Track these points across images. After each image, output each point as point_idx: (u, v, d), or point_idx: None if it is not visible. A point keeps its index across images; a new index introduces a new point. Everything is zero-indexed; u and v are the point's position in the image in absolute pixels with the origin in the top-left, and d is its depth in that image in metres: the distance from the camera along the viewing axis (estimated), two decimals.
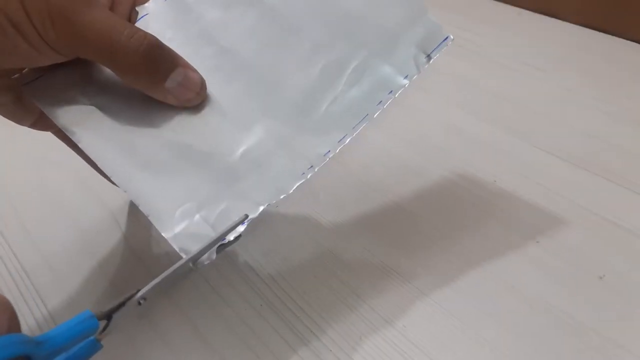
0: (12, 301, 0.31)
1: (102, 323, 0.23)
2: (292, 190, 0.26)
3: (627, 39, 0.57)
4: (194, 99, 0.28)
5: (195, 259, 0.25)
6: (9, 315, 0.20)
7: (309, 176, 0.26)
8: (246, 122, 0.28)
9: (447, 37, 0.28)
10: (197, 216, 0.25)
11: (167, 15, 0.29)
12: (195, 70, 0.28)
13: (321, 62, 0.28)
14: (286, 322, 0.30)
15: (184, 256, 0.24)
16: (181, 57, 0.28)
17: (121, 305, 0.24)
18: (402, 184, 0.39)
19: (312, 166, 0.26)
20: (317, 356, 0.28)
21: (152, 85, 0.27)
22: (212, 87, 0.28)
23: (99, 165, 0.26)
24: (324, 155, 0.27)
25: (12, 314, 0.20)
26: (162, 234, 0.24)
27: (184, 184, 0.26)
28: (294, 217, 0.36)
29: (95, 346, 0.23)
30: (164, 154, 0.27)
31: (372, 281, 0.32)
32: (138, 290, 0.24)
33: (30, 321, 0.30)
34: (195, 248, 0.24)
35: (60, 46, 0.25)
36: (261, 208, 0.26)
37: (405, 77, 0.28)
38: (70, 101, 0.27)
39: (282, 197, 0.26)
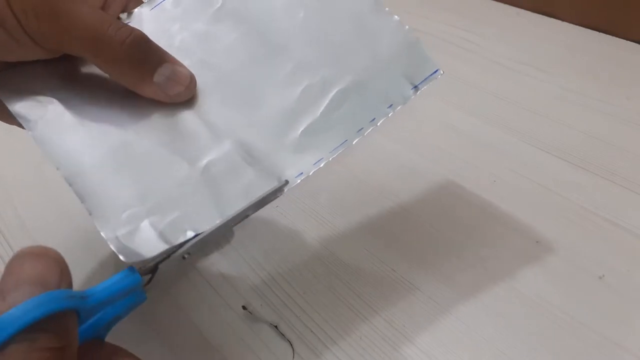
0: None
1: (146, 277, 0.24)
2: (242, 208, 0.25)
3: (627, 39, 0.57)
4: (184, 93, 0.27)
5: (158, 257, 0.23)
6: (60, 270, 0.20)
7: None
8: (217, 134, 0.27)
9: (436, 71, 0.28)
10: (145, 221, 0.24)
11: (150, 25, 0.29)
12: (183, 66, 0.27)
13: (303, 83, 0.28)
14: (286, 322, 0.30)
15: (122, 258, 0.22)
16: (168, 53, 0.27)
17: (166, 258, 0.24)
18: (402, 184, 0.39)
19: (279, 184, 0.26)
20: (317, 356, 0.28)
21: (140, 79, 0.26)
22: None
23: (46, 156, 0.25)
24: (296, 177, 0.26)
25: (64, 269, 0.20)
26: (101, 234, 0.23)
27: (137, 187, 0.25)
28: (294, 217, 0.36)
29: (140, 297, 0.23)
30: (122, 153, 0.26)
31: (372, 281, 0.32)
32: (182, 245, 0.24)
33: None
34: (137, 254, 0.23)
35: (44, 39, 0.25)
36: (218, 222, 0.24)
37: (390, 107, 0.27)
38: (30, 92, 0.26)
39: (238, 212, 0.25)
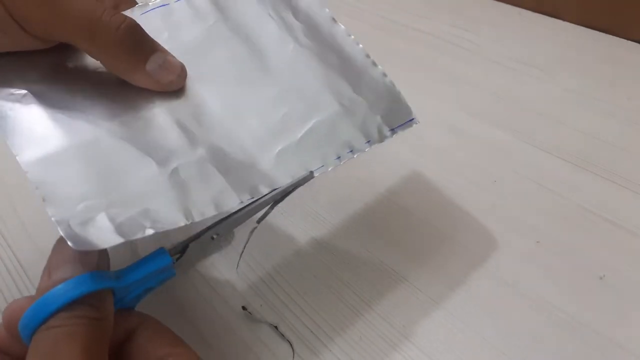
0: (11, 299, 0.32)
1: (176, 256, 0.25)
2: (210, 215, 0.25)
3: (628, 39, 0.57)
4: (176, 82, 0.27)
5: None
6: (98, 252, 0.22)
7: (236, 208, 0.26)
8: (191, 140, 0.27)
9: (412, 119, 0.29)
10: (102, 213, 0.23)
11: None
12: (173, 56, 0.28)
13: (286, 108, 0.29)
14: (286, 322, 0.30)
15: (70, 244, 0.21)
16: (159, 43, 0.27)
17: (195, 238, 0.26)
18: (402, 183, 0.39)
19: (244, 200, 0.26)
20: (317, 356, 0.28)
21: (133, 67, 0.26)
22: (167, 102, 0.28)
23: (8, 142, 0.24)
24: (269, 192, 0.26)
25: (102, 251, 0.22)
26: (52, 219, 0.22)
27: (100, 180, 0.24)
28: (294, 217, 0.36)
29: (170, 273, 0.25)
30: (89, 147, 0.25)
31: (372, 281, 0.32)
32: (210, 227, 0.25)
33: None
34: (89, 243, 0.22)
35: (33, 25, 0.24)
36: (182, 224, 0.24)
37: (367, 142, 0.28)
38: (4, 84, 0.26)
39: (199, 220, 0.24)
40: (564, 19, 0.61)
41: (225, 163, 0.26)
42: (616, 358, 0.28)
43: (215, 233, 0.26)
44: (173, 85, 0.28)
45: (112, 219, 0.23)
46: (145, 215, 0.23)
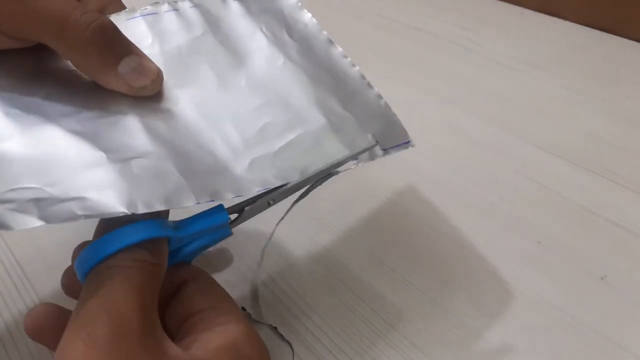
0: (9, 297, 0.32)
1: (233, 216, 0.26)
2: (159, 209, 0.23)
3: (629, 39, 0.57)
4: (150, 86, 0.26)
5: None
6: None
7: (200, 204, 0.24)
8: (153, 139, 0.25)
9: (408, 142, 0.28)
10: (30, 196, 0.22)
11: (125, 33, 0.28)
12: (150, 61, 0.26)
13: (268, 119, 0.28)
14: (286, 322, 0.30)
15: None
16: (136, 47, 0.26)
17: (253, 201, 0.26)
18: (402, 183, 0.39)
19: (201, 201, 0.24)
20: (317, 357, 0.28)
21: (103, 68, 0.25)
22: (138, 105, 0.27)
23: None
24: (234, 197, 0.25)
25: None
26: None
27: (40, 165, 0.23)
28: (293, 217, 0.36)
29: (226, 232, 0.26)
30: (36, 136, 0.24)
31: (371, 281, 0.32)
32: (268, 192, 0.26)
33: None
34: (4, 224, 0.21)
35: (6, 24, 0.24)
36: (121, 214, 0.22)
37: (355, 160, 0.28)
38: None
39: (143, 212, 0.22)
40: (565, 19, 0.61)
41: (187, 164, 0.25)
42: (616, 358, 0.28)
43: (271, 199, 0.26)
44: (146, 91, 0.26)
45: (38, 206, 0.22)
46: (78, 202, 0.22)
